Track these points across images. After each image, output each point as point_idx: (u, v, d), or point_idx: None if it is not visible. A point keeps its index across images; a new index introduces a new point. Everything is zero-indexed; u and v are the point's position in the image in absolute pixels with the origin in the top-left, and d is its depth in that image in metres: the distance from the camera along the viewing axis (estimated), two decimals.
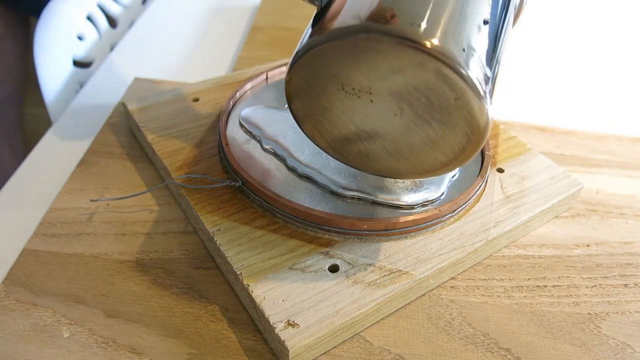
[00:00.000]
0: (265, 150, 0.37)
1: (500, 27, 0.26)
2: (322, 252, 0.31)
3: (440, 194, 0.34)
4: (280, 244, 0.32)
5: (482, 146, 0.25)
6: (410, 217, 0.32)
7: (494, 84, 0.25)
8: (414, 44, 0.22)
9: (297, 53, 0.25)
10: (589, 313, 0.32)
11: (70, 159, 0.42)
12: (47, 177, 0.40)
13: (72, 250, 0.34)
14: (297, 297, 0.29)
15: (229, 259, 0.30)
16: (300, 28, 0.62)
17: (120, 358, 0.28)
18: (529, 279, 0.34)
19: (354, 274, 0.30)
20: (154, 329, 0.30)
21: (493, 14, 0.26)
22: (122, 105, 0.43)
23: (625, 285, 0.34)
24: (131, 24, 0.69)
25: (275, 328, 0.27)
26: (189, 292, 0.32)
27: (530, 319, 0.32)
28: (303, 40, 0.26)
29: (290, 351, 0.26)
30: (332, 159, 0.36)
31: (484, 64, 0.24)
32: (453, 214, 0.34)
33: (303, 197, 0.34)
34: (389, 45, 0.23)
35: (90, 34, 0.60)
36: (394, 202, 0.33)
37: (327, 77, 0.25)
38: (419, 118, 0.25)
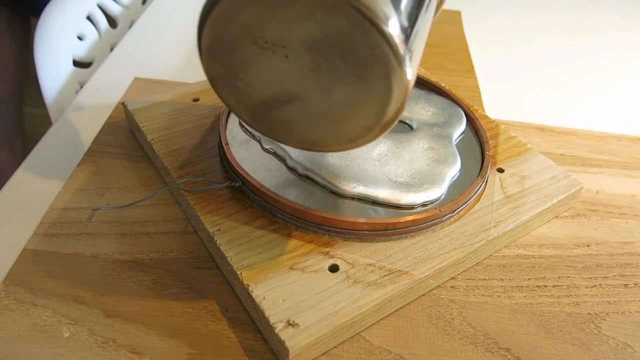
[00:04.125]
0: (265, 150, 0.37)
1: None
2: (322, 252, 0.31)
3: (440, 194, 0.34)
4: (280, 244, 0.32)
5: (403, 105, 0.24)
6: (410, 217, 0.32)
7: (413, 38, 0.23)
8: None
9: (206, 3, 0.23)
10: (589, 313, 0.32)
11: (70, 159, 0.42)
12: (47, 177, 0.40)
13: (72, 250, 0.34)
14: (297, 297, 0.29)
15: (229, 259, 0.30)
16: None
17: (120, 358, 0.28)
18: (529, 279, 0.34)
19: (354, 274, 0.30)
20: (154, 329, 0.30)
21: None
22: (122, 105, 0.43)
23: (625, 285, 0.34)
24: (131, 24, 0.69)
25: (275, 328, 0.27)
26: (189, 292, 0.32)
27: (530, 319, 0.32)
28: None
29: (290, 351, 0.26)
30: (332, 159, 0.36)
31: (403, 16, 0.22)
32: (453, 214, 0.34)
33: (303, 197, 0.34)
34: None
35: (90, 34, 0.60)
36: (394, 202, 0.33)
37: (239, 30, 0.23)
38: (336, 73, 0.23)
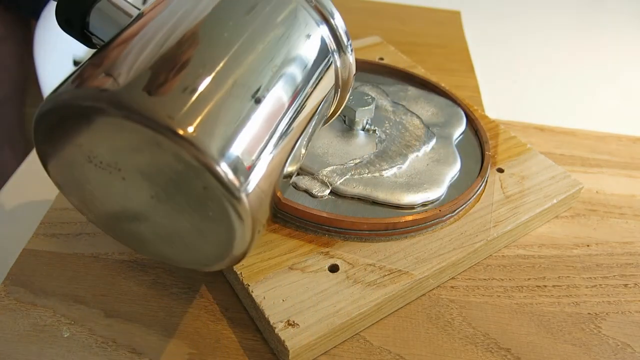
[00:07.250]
0: None
1: (287, 108, 0.24)
2: (322, 252, 0.31)
3: (440, 194, 0.34)
4: (280, 244, 0.32)
5: (253, 241, 0.22)
6: (410, 217, 0.32)
7: (260, 170, 0.22)
8: (145, 119, 0.19)
9: (41, 106, 0.21)
10: (589, 313, 0.32)
11: None
12: (47, 177, 0.40)
13: (72, 250, 0.34)
14: (297, 297, 0.29)
15: None
16: None
17: (120, 358, 0.28)
18: (529, 279, 0.34)
19: (354, 274, 0.30)
20: (154, 329, 0.30)
21: (277, 92, 0.23)
22: None
23: (625, 285, 0.34)
24: None
25: (275, 328, 0.27)
26: (189, 292, 0.32)
27: (530, 319, 0.32)
28: (63, 81, 0.21)
29: (290, 351, 0.26)
30: (332, 159, 0.36)
31: (248, 147, 0.21)
32: (453, 214, 0.34)
33: (303, 197, 0.34)
34: (119, 119, 0.19)
35: None
36: (394, 202, 0.33)
37: (72, 145, 0.22)
38: (176, 204, 0.22)
